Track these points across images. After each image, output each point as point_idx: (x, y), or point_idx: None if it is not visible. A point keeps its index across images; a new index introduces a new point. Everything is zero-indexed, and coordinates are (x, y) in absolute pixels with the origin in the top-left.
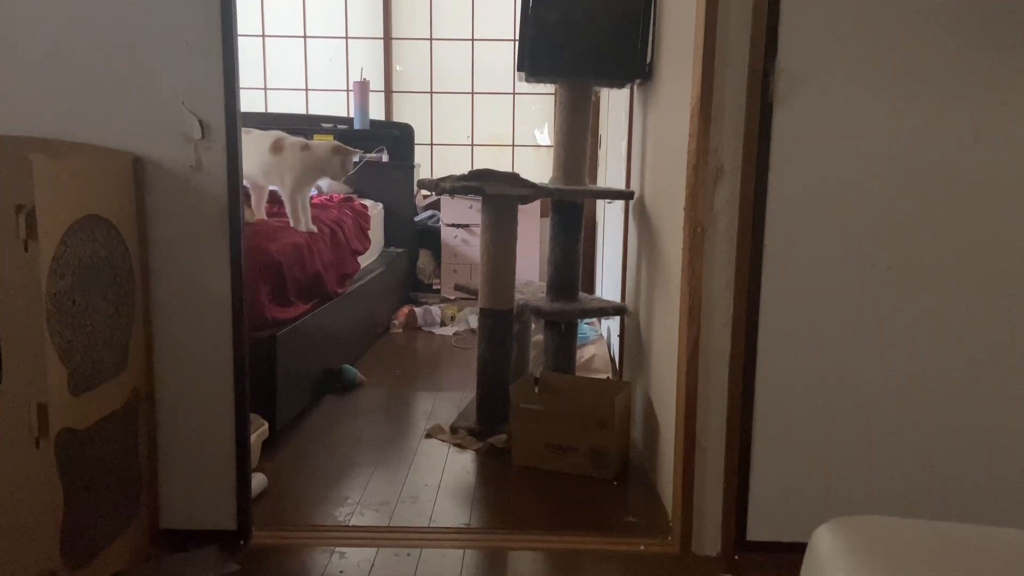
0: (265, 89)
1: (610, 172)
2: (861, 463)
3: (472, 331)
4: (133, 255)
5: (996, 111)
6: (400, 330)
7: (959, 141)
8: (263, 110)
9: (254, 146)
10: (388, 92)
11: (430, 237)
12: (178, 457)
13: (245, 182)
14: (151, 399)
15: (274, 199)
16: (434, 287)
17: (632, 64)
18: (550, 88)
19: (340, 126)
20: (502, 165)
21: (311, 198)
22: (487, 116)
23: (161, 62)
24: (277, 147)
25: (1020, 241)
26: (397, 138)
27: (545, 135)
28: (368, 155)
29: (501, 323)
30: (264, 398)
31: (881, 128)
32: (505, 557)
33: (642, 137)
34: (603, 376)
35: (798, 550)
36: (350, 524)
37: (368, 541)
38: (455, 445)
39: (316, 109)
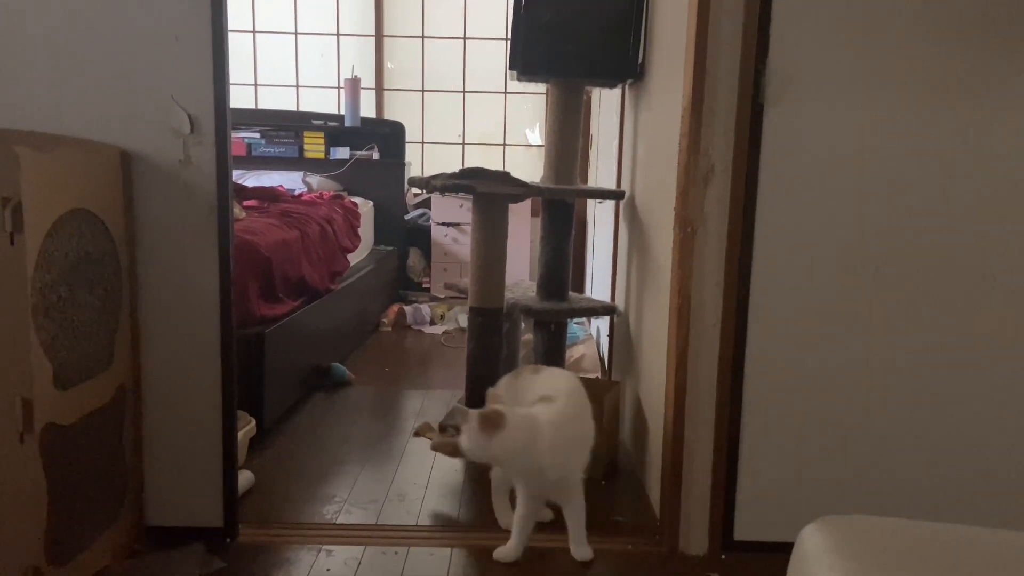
0: (255, 85)
1: (601, 172)
2: (848, 463)
3: (462, 330)
4: (120, 250)
5: (985, 112)
6: (390, 328)
7: (949, 143)
8: (253, 106)
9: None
10: (379, 90)
11: (420, 235)
12: (164, 454)
13: None
14: (137, 395)
15: (264, 195)
16: (424, 285)
17: (624, 64)
18: (542, 87)
19: (331, 123)
20: (493, 164)
21: (301, 195)
22: (478, 115)
23: (150, 56)
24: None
25: (1009, 242)
26: (388, 136)
27: (536, 134)
28: (358, 153)
29: (491, 322)
30: (252, 395)
31: (871, 129)
32: (492, 556)
33: (633, 137)
34: (592, 376)
35: (785, 550)
36: (337, 522)
37: (355, 539)
38: None
39: (307, 106)
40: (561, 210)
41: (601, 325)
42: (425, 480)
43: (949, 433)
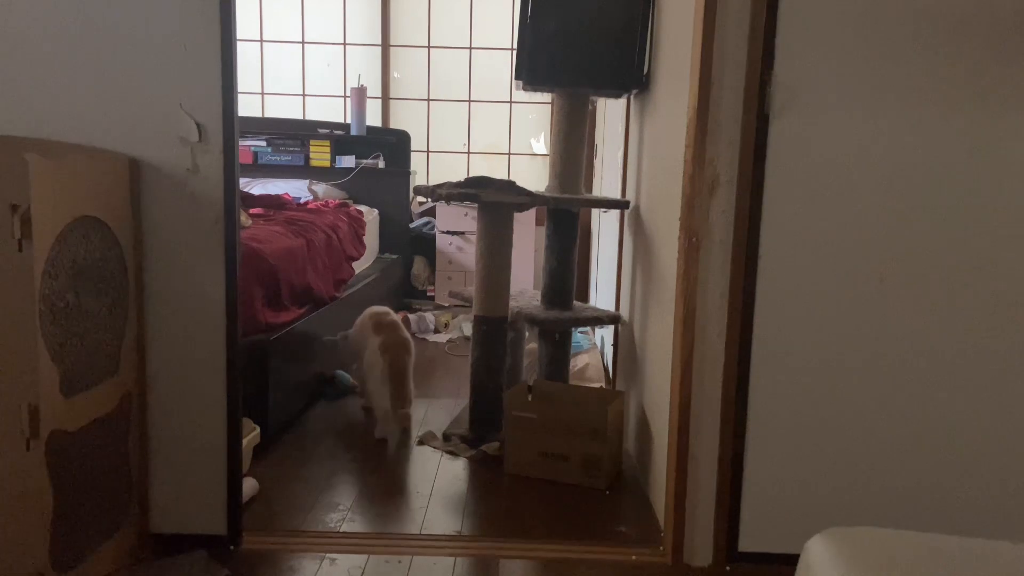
0: (262, 94)
1: (606, 181)
2: (854, 474)
3: (466, 338)
4: (127, 257)
5: (991, 124)
6: None
7: (954, 154)
8: (260, 115)
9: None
10: (385, 99)
11: (425, 244)
12: (169, 461)
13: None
14: (143, 402)
15: (270, 203)
16: (428, 294)
17: (629, 74)
18: (547, 97)
19: (337, 132)
20: (498, 173)
21: (307, 203)
22: (484, 124)
23: (159, 65)
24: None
25: (1015, 254)
26: (394, 145)
27: (541, 144)
28: (364, 161)
29: (495, 331)
30: (256, 403)
31: (876, 141)
32: (496, 565)
33: (638, 147)
34: (596, 385)
35: (790, 561)
36: (341, 530)
37: (359, 548)
38: (447, 452)
39: (313, 115)
40: (566, 219)
41: (605, 335)
42: (429, 489)
43: (956, 446)
